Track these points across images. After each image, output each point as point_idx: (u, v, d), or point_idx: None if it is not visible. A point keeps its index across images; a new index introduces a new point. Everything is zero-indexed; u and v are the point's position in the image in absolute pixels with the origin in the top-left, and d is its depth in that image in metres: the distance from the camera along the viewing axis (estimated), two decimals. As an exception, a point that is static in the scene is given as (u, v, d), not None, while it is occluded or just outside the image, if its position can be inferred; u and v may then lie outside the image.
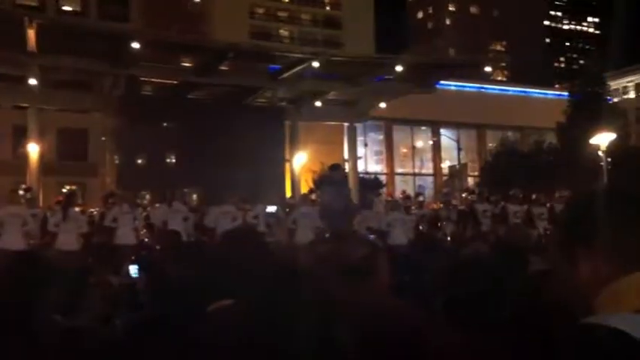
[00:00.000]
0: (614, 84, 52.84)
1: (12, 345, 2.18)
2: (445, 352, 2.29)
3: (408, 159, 53.21)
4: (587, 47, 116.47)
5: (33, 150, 23.68)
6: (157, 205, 15.05)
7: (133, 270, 5.31)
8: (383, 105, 30.93)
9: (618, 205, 1.37)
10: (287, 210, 15.00)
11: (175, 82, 26.39)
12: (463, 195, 18.53)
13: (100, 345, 2.53)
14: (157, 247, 12.42)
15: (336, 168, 11.83)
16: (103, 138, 28.68)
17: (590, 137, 27.79)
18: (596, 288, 1.31)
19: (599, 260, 1.33)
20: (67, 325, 2.49)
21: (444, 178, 48.89)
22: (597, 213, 1.35)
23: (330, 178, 12.02)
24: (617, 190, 1.42)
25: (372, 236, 12.84)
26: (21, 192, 13.49)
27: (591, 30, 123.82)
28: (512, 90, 56.58)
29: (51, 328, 2.28)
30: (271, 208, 14.74)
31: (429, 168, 53.24)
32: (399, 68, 25.73)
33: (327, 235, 10.35)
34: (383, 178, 47.87)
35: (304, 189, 28.41)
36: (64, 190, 25.32)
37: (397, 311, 2.70)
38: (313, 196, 15.58)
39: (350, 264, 4.45)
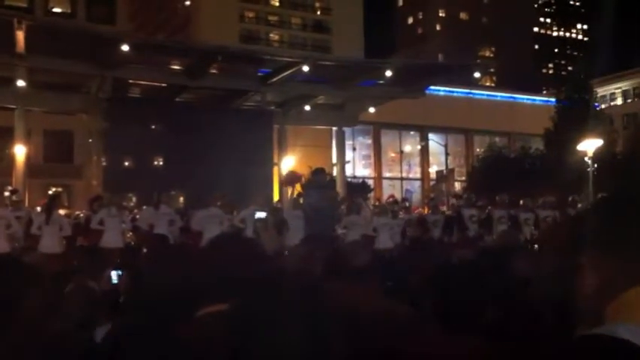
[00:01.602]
0: (601, 90, 53.20)
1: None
2: (434, 357, 2.29)
3: (395, 163, 53.28)
4: (575, 54, 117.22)
5: (19, 151, 23.56)
6: (144, 207, 14.98)
7: (115, 276, 5.25)
8: (372, 109, 30.99)
9: (632, 215, 1.33)
10: (273, 213, 14.96)
11: (164, 84, 26.31)
12: (451, 200, 18.60)
13: (77, 351, 2.50)
14: (144, 251, 12.38)
15: (319, 172, 11.76)
16: (90, 140, 28.57)
17: (576, 143, 27.93)
18: (605, 298, 1.28)
19: (610, 270, 1.29)
20: (44, 330, 2.46)
21: (432, 182, 49.00)
22: (610, 222, 1.33)
23: (313, 182, 12.00)
24: (631, 200, 1.39)
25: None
26: (7, 194, 13.40)
27: (580, 37, 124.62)
28: (501, 96, 56.82)
29: (28, 333, 2.26)
30: (260, 214, 14.67)
31: (416, 172, 53.35)
32: (388, 73, 25.78)
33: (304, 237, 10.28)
34: (371, 182, 47.91)
35: (293, 193, 28.36)
36: (50, 193, 25.23)
37: (390, 317, 2.70)
38: (301, 200, 15.55)
39: (348, 268, 4.43)
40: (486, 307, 2.49)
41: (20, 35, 20.93)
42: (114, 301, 4.31)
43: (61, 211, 13.33)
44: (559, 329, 2.26)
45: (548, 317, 2.60)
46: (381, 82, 27.35)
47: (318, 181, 11.47)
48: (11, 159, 24.62)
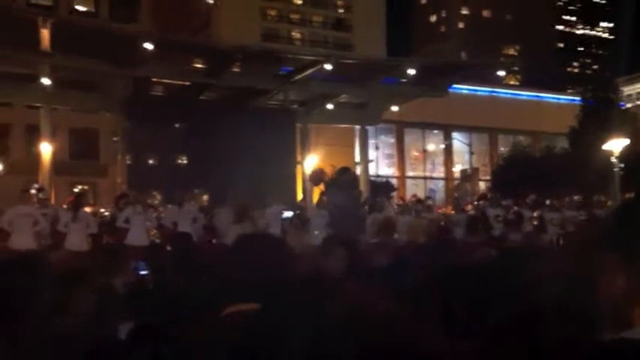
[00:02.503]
0: (627, 89, 52.62)
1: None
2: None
3: (419, 162, 53.11)
4: (600, 52, 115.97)
5: (45, 149, 23.78)
6: (169, 206, 15.06)
7: (142, 268, 5.27)
8: (395, 108, 30.89)
9: None
10: (298, 212, 15.00)
11: (186, 83, 26.44)
12: (475, 200, 18.50)
13: (87, 349, 2.49)
14: (168, 249, 12.43)
15: (344, 171, 11.70)
16: (115, 138, 28.82)
17: (602, 143, 27.63)
18: (633, 302, 1.26)
19: (637, 274, 1.27)
20: (59, 330, 2.46)
21: (456, 181, 48.77)
22: (636, 225, 1.30)
23: (338, 181, 11.95)
24: None
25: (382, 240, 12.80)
26: (33, 191, 13.52)
27: (605, 35, 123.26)
28: (525, 94, 56.39)
29: (41, 332, 2.25)
30: (287, 213, 14.73)
31: (440, 172, 53.15)
32: (410, 71, 25.68)
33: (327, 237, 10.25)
34: (394, 181, 47.80)
35: (315, 191, 28.36)
36: (76, 190, 25.46)
37: (396, 320, 2.66)
38: (325, 199, 15.54)
39: (370, 271, 4.39)
40: (491, 309, 2.44)
41: (45, 33, 21.14)
42: (139, 295, 4.29)
43: (87, 209, 13.42)
44: (571, 334, 2.21)
45: (561, 321, 2.54)
46: (404, 80, 27.27)
47: (343, 180, 11.40)
48: (37, 157, 24.87)
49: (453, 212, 16.25)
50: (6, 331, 2.18)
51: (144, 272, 5.48)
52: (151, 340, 2.70)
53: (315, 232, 12.59)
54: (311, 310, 1.74)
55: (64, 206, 13.82)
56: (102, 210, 17.26)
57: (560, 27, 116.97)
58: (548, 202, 15.06)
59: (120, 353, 2.69)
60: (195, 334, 2.27)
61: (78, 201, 12.79)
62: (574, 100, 47.48)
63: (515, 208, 14.96)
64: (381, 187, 35.98)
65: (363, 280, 3.50)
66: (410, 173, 52.27)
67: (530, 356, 2.21)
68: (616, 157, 26.59)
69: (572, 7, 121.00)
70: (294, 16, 66.94)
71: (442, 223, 15.15)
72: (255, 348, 1.75)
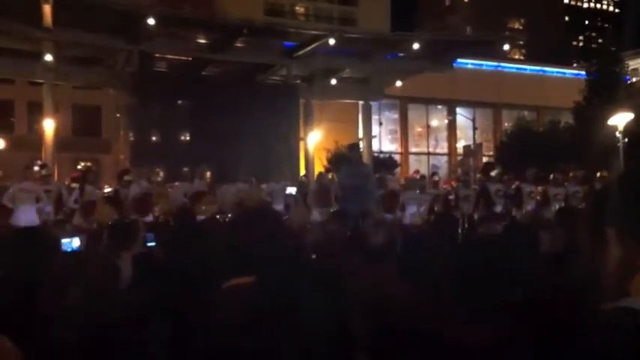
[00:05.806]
0: (632, 63, 52.10)
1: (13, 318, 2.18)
2: (456, 342, 2.24)
3: (422, 138, 52.90)
4: (606, 26, 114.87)
5: (48, 126, 23.78)
6: (177, 183, 15.06)
7: (150, 240, 5.27)
8: (399, 83, 30.75)
9: None
10: (300, 188, 15.03)
11: (189, 58, 26.34)
12: (478, 175, 18.52)
13: (95, 317, 2.52)
14: (172, 224, 12.44)
15: (354, 147, 11.72)
16: (118, 114, 28.78)
17: (607, 117, 27.47)
18: (629, 272, 1.27)
19: (633, 245, 1.29)
20: (65, 296, 2.48)
21: (459, 157, 48.65)
22: (632, 198, 1.31)
23: (348, 157, 11.94)
24: None
25: (388, 216, 12.83)
26: (36, 168, 13.53)
27: (611, 8, 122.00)
28: (530, 69, 55.96)
29: (51, 299, 2.27)
30: (291, 189, 14.79)
31: (443, 147, 52.95)
32: (415, 46, 25.54)
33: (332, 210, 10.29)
34: (397, 157, 47.70)
35: (318, 167, 28.36)
36: (79, 167, 25.50)
37: (409, 299, 2.66)
38: (330, 175, 15.55)
39: (370, 247, 4.41)
40: (508, 286, 2.44)
41: (47, 9, 21.05)
42: (147, 267, 4.29)
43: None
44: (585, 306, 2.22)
45: (576, 294, 2.55)
46: (408, 55, 27.13)
47: (352, 156, 11.42)
48: (40, 133, 24.87)
49: (460, 186, 16.16)
50: (19, 305, 2.21)
51: (151, 244, 5.50)
52: (164, 314, 2.72)
53: (317, 208, 12.63)
54: (318, 286, 1.75)
55: (66, 182, 13.85)
56: (106, 188, 17.17)
57: (567, 0, 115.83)
58: (552, 177, 14.98)
59: (132, 327, 2.71)
60: (203, 306, 2.28)
61: (85, 177, 12.83)
62: (579, 74, 47.10)
63: (517, 183, 14.94)
64: (384, 163, 35.94)
65: (371, 257, 3.51)
66: (413, 149, 52.10)
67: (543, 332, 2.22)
68: (620, 132, 26.47)
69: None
70: (298, -10, 66.28)
71: (449, 197, 15.17)
72: (260, 320, 1.75)
